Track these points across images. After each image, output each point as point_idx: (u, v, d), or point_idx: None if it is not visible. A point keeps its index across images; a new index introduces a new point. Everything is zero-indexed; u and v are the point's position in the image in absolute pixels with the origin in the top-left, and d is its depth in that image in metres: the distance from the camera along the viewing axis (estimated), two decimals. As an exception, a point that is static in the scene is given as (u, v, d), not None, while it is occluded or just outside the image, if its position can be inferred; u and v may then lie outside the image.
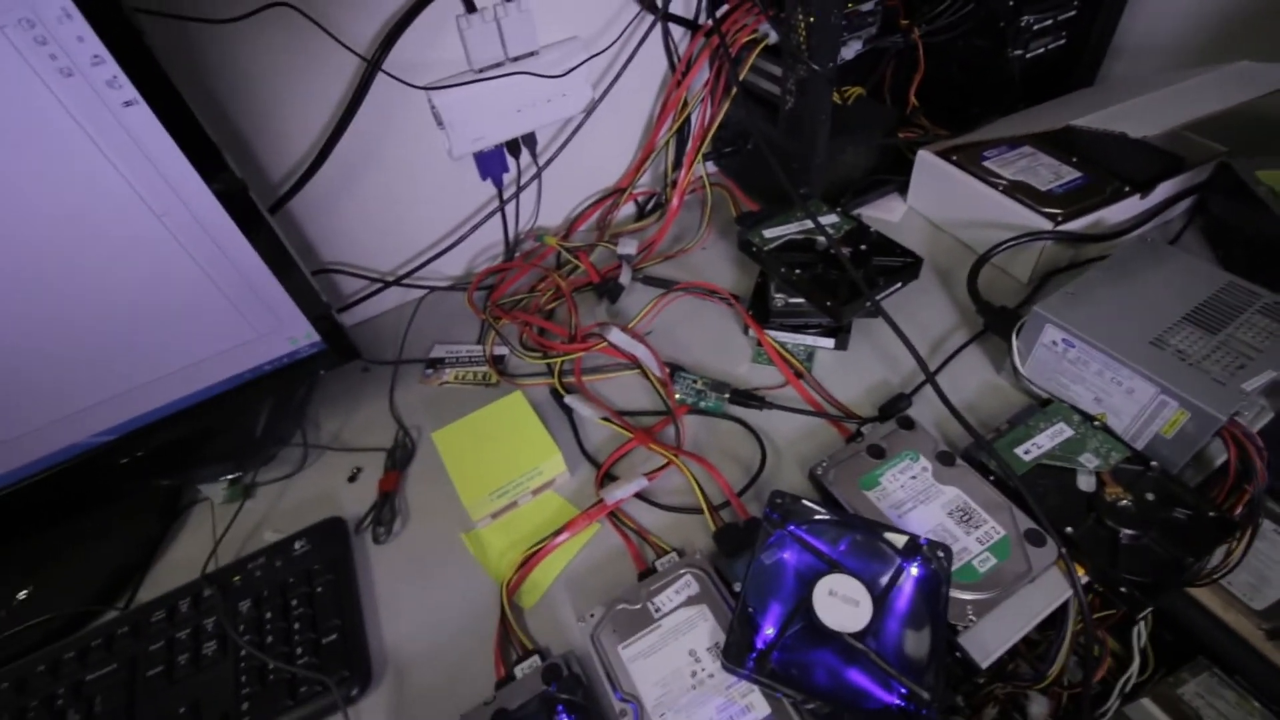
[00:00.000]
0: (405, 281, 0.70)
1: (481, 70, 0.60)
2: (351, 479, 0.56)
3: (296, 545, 0.50)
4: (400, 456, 0.57)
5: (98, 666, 0.45)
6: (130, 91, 0.38)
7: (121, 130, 0.38)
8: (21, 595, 0.50)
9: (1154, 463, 0.46)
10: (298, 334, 0.52)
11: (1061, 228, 0.59)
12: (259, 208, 0.46)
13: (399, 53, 0.56)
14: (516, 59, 0.61)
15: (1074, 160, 0.67)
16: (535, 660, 0.42)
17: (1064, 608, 0.45)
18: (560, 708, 0.38)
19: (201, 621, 0.46)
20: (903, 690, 0.36)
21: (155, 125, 0.39)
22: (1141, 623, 0.50)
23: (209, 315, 0.47)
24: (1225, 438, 0.44)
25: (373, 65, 0.55)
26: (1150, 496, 0.45)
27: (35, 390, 0.44)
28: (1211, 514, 0.43)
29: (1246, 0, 0.69)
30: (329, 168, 0.60)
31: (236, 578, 0.48)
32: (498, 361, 0.64)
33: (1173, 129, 0.53)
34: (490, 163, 0.67)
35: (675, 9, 0.69)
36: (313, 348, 0.53)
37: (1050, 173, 0.65)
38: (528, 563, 0.48)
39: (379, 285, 0.69)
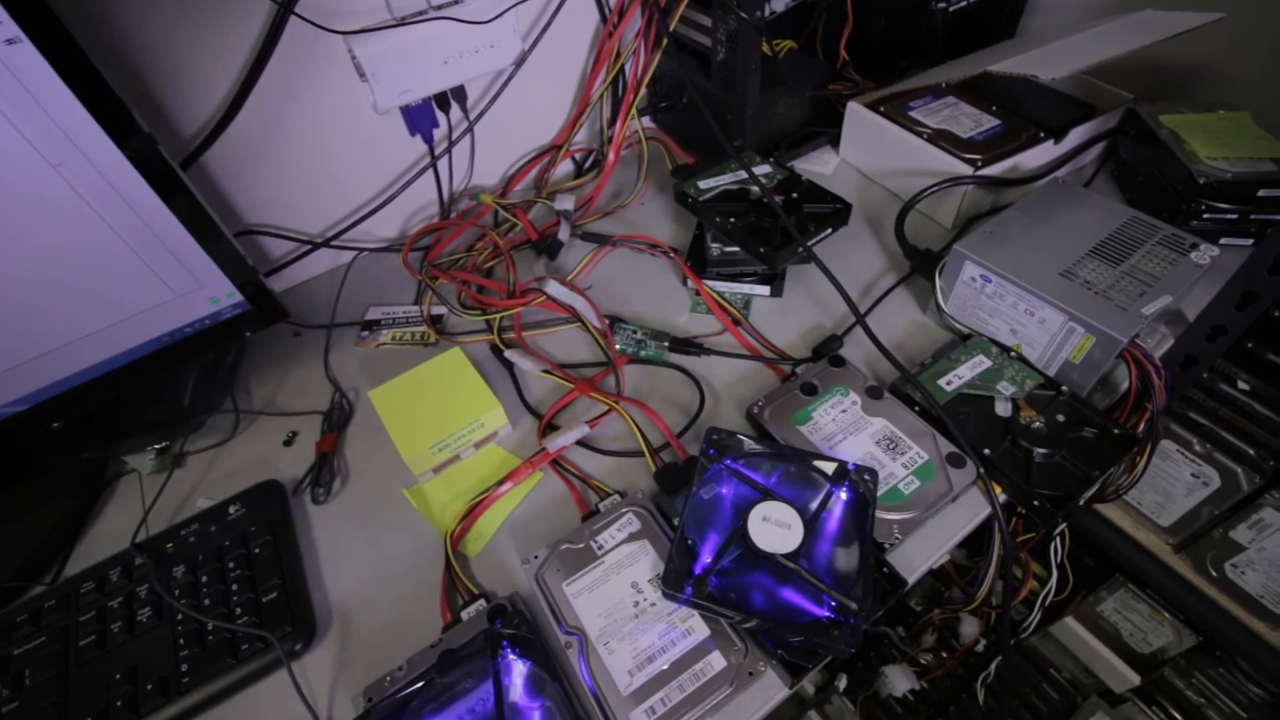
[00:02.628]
0: (335, 243, 0.68)
1: (403, 18, 0.58)
2: (287, 443, 0.55)
3: (231, 509, 0.48)
4: (337, 418, 0.56)
5: (24, 641, 0.43)
6: (11, 28, 0.35)
7: (4, 69, 0.35)
8: (-65, 577, 0.48)
9: (1064, 387, 0.49)
10: (219, 293, 0.50)
11: (981, 173, 0.62)
12: (166, 158, 0.43)
13: (313, -1, 0.54)
14: (439, 5, 0.59)
15: (993, 109, 0.69)
16: (481, 603, 0.42)
17: (989, 534, 0.48)
18: (505, 643, 0.38)
19: (134, 589, 0.45)
20: (832, 603, 0.38)
21: (43, 66, 0.37)
22: (1058, 539, 0.54)
23: (120, 274, 0.45)
24: (1127, 359, 0.47)
25: (284, 7, 0.53)
26: (1061, 418, 0.47)
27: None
28: (1116, 431, 0.47)
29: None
30: (247, 122, 0.57)
31: (169, 545, 0.47)
32: (436, 321, 0.63)
33: (1079, 72, 0.55)
34: (419, 117, 0.66)
35: (604, -43, 0.68)
36: (236, 308, 0.51)
37: (971, 121, 0.67)
38: (471, 513, 0.48)
39: (308, 247, 0.67)
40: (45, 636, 0.43)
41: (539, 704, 0.37)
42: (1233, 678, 0.74)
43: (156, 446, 0.54)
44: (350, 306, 0.66)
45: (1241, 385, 0.62)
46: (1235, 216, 0.58)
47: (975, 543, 0.49)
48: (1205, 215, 0.59)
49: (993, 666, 0.71)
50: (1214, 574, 0.64)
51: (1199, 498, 0.64)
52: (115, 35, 0.49)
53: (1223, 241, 0.59)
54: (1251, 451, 0.62)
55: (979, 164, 0.62)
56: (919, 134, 0.65)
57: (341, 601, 0.45)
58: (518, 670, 0.38)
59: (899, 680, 0.70)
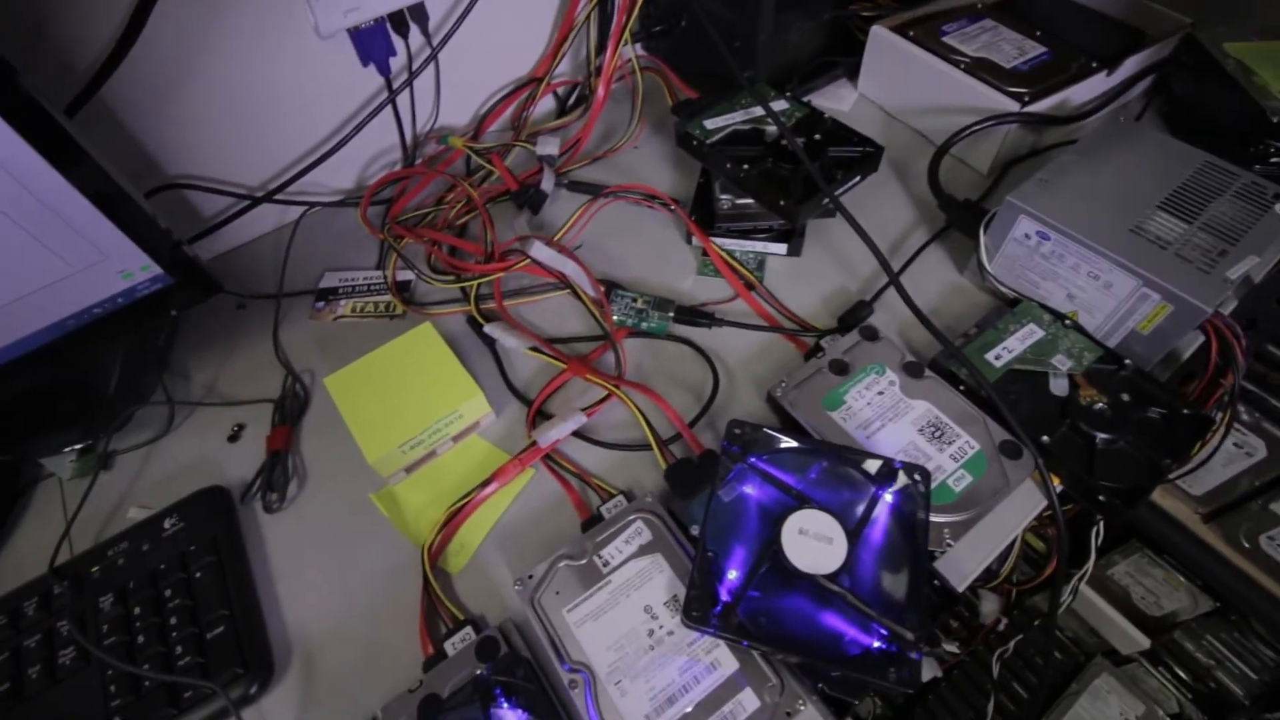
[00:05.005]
0: (279, 197, 0.58)
1: (344, -84, 0.47)
2: (232, 438, 0.47)
3: (167, 523, 0.41)
4: (291, 408, 0.48)
5: (-79, 689, 0.36)
6: None
7: None
8: None
9: (1127, 361, 0.43)
10: (130, 266, 0.41)
11: (1029, 109, 0.54)
12: (39, 101, 0.34)
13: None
14: (388, -99, 0.48)
15: (1037, 34, 0.60)
16: (468, 632, 0.36)
17: None
18: (498, 691, 0.32)
19: (54, 624, 0.38)
20: (883, 632, 0.32)
21: None
22: (1101, 522, 0.49)
23: (-3, 247, 0.36)
24: (1206, 329, 0.41)
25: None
26: (1125, 397, 0.42)
27: None
28: (1186, 411, 0.41)
29: None
30: (159, 48, 0.46)
31: (95, 568, 0.40)
32: (402, 289, 0.55)
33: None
34: (370, 43, 0.55)
35: None
36: (155, 283, 0.42)
37: (1014, 48, 0.59)
38: (452, 520, 0.41)
39: (246, 202, 0.57)
40: (-51, 682, 0.37)
41: (542, 762, 0.31)
42: (1247, 642, 0.72)
43: (77, 447, 0.46)
44: (302, 272, 0.57)
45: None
46: (1312, 160, 0.52)
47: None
48: (1275, 158, 0.52)
49: (1012, 644, 0.68)
50: (1246, 545, 0.60)
51: (1240, 468, 0.59)
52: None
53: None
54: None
55: (1026, 99, 0.54)
56: (956, 63, 0.57)
57: (303, 632, 0.38)
58: (515, 725, 0.32)
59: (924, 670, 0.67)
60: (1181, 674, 0.76)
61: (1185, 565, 0.70)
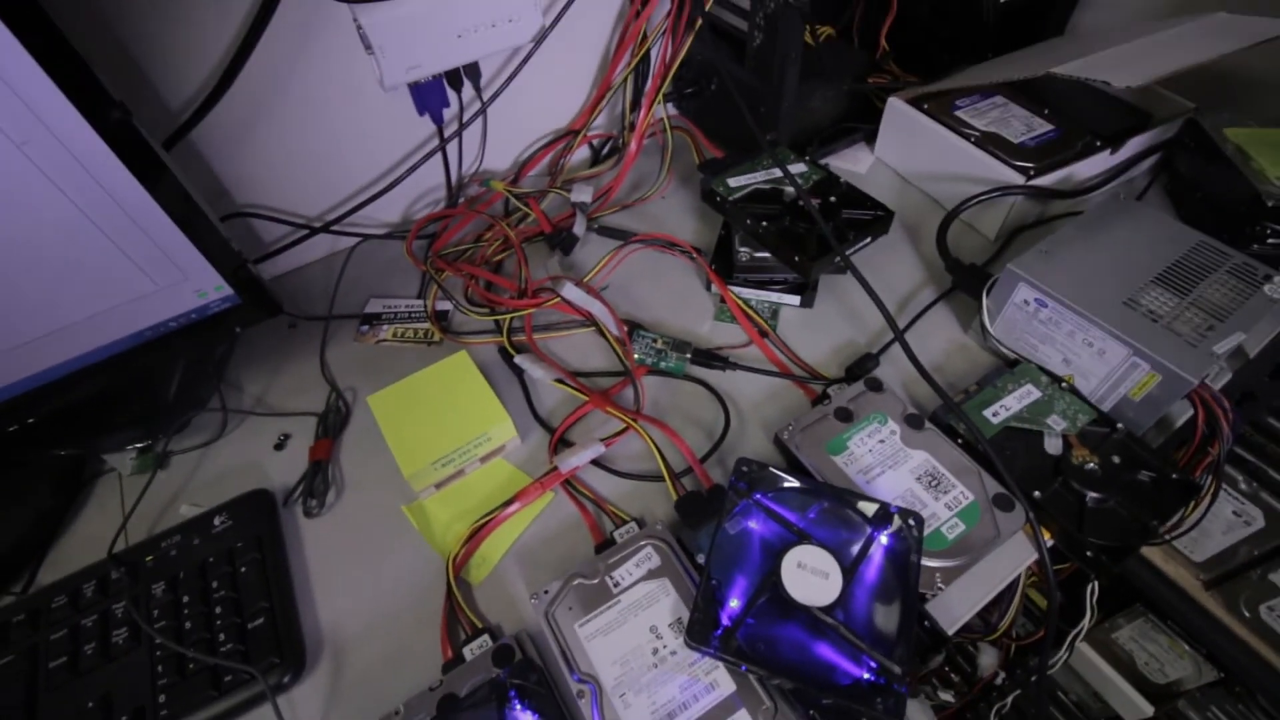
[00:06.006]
0: (335, 228, 0.64)
1: (416, -14, 0.53)
2: (278, 446, 0.51)
3: (217, 521, 0.45)
4: (333, 422, 0.52)
5: (-10, 659, 0.40)
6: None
7: (-44, 33, 0.31)
8: (-105, 582, 0.44)
9: (1119, 425, 0.46)
10: (206, 286, 0.45)
11: (1034, 182, 0.57)
12: (146, 138, 0.39)
13: (317, -39, 0.49)
14: (456, -26, 0.54)
15: (1045, 112, 0.64)
16: (485, 640, 0.39)
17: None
18: (513, 693, 0.35)
19: (109, 606, 0.42)
20: (873, 664, 0.34)
21: (2, 33, 0.32)
22: (1095, 581, 0.51)
23: (96, 264, 0.41)
24: (1194, 399, 0.44)
25: (285, -28, 0.48)
26: (1116, 459, 0.44)
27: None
28: (1174, 476, 0.43)
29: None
30: (241, 96, 0.52)
31: (149, 558, 0.44)
32: (440, 318, 0.59)
33: (1154, 81, 0.50)
34: (428, 95, 0.60)
35: (635, -72, 0.62)
36: (225, 302, 0.47)
37: (1022, 124, 0.63)
38: (476, 535, 0.44)
39: (304, 231, 0.62)
40: (14, 655, 0.40)
41: (548, 764, 0.33)
42: (1251, 715, 0.72)
43: (138, 446, 0.50)
44: (349, 297, 0.62)
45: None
46: (1306, 244, 0.54)
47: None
48: (1271, 239, 0.55)
49: (1010, 699, 0.69)
50: (1246, 614, 0.61)
51: (1238, 536, 0.60)
52: (94, -3, 0.44)
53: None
54: (1301, 493, 0.58)
55: (1032, 173, 0.57)
56: (967, 136, 0.61)
57: (334, 629, 0.42)
58: (526, 727, 0.34)
59: (918, 718, 0.67)
60: (1186, 746, 0.75)
61: (1188, 632, 0.70)
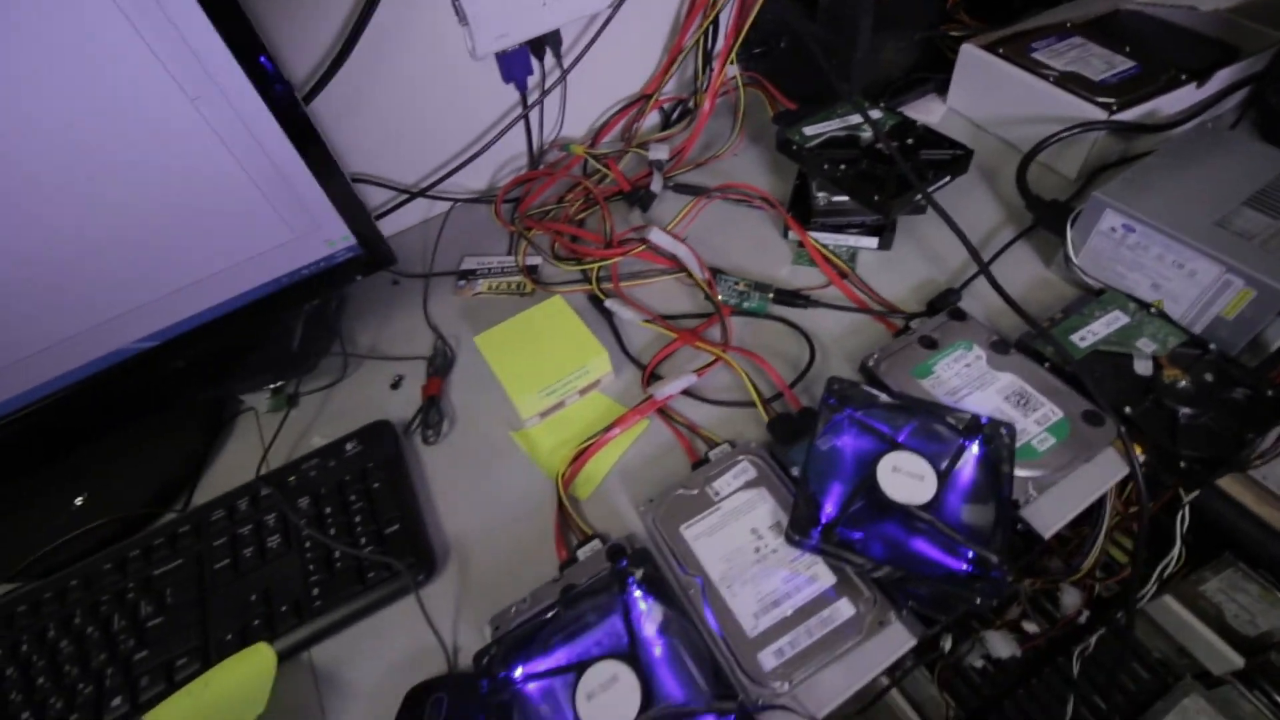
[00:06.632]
0: (431, 193, 0.68)
1: (507, -43, 0.57)
2: (394, 386, 0.56)
3: (348, 446, 0.50)
4: (441, 364, 0.56)
5: (164, 563, 0.45)
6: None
7: (155, 4, 0.36)
8: (78, 501, 0.51)
9: (1212, 345, 0.46)
10: (334, 235, 0.50)
11: (1117, 117, 0.57)
12: (295, 96, 0.44)
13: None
14: (543, -56, 0.57)
15: (1126, 49, 0.64)
16: (596, 543, 0.42)
17: (1100, 503, 0.45)
18: (631, 580, 0.38)
19: (262, 518, 0.47)
20: (970, 555, 0.36)
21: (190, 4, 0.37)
22: (1185, 509, 0.51)
23: (246, 213, 0.46)
24: (1290, 314, 0.43)
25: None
26: (1209, 377, 0.44)
27: (83, 288, 0.44)
28: (1270, 393, 0.43)
29: None
30: (352, 68, 0.57)
31: (292, 478, 0.49)
32: (531, 271, 0.63)
33: (1228, 9, 0.50)
34: (514, 64, 0.64)
35: (706, -108, 0.65)
36: (349, 251, 0.52)
37: (1103, 62, 0.62)
38: (580, 456, 0.48)
39: (404, 197, 0.67)
40: (182, 559, 0.46)
41: (666, 641, 0.37)
42: (1352, 665, 0.70)
43: (272, 386, 0.55)
44: (443, 257, 0.66)
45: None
46: None
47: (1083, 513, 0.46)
48: (1372, 165, 0.53)
49: (1093, 640, 0.69)
50: (1348, 555, 0.60)
51: (1339, 472, 0.59)
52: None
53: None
54: None
55: (1114, 108, 0.57)
56: (1045, 76, 0.61)
57: (458, 538, 0.46)
58: (644, 608, 0.38)
59: (1000, 646, 0.68)
60: (1279, 698, 0.73)
61: (1283, 578, 0.68)
